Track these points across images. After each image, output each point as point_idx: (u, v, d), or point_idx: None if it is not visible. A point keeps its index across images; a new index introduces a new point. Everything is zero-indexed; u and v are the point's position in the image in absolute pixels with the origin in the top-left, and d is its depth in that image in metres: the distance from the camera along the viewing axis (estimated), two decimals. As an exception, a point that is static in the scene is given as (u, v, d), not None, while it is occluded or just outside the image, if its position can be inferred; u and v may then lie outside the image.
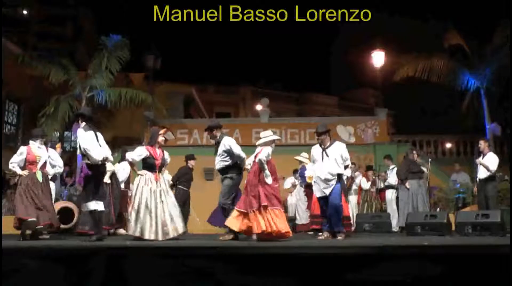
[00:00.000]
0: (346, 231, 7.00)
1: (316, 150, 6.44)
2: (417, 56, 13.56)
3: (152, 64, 14.69)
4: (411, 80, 13.58)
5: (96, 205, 5.54)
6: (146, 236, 5.47)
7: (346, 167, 6.51)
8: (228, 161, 5.93)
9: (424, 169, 8.99)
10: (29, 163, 6.33)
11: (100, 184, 5.72)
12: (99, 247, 4.25)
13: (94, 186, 5.59)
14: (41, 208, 6.11)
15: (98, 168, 5.57)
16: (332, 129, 12.97)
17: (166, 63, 18.97)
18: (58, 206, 7.65)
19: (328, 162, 6.20)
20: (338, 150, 6.25)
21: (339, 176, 6.21)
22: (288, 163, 9.44)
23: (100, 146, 5.63)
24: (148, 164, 5.86)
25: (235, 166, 5.95)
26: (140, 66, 15.53)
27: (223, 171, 5.99)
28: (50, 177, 6.78)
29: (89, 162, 5.49)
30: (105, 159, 5.62)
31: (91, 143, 5.48)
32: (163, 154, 6.11)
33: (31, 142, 6.56)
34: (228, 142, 5.96)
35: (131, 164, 5.94)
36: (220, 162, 5.98)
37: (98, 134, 5.74)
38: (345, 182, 8.36)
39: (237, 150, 5.93)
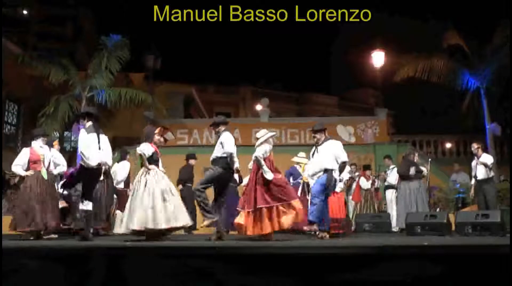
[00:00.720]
0: (343, 232, 6.99)
1: (312, 149, 6.48)
2: (417, 56, 13.56)
3: (152, 64, 14.70)
4: (411, 80, 13.59)
5: (86, 206, 5.51)
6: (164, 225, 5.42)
7: (342, 166, 6.33)
8: (219, 153, 5.88)
9: (424, 169, 8.99)
10: (33, 162, 6.33)
11: (92, 186, 5.68)
12: (99, 247, 4.25)
13: (86, 187, 5.58)
14: (43, 212, 6.11)
15: (92, 171, 5.52)
16: (332, 129, 13.04)
17: (166, 63, 19.02)
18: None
19: (317, 158, 6.20)
20: (330, 148, 6.19)
21: (326, 171, 6.07)
22: (288, 163, 9.43)
23: (100, 148, 5.54)
24: (155, 160, 5.87)
25: (225, 160, 5.86)
26: (140, 66, 15.55)
27: (214, 162, 5.95)
28: (55, 176, 6.79)
29: (83, 164, 5.46)
30: (102, 164, 5.59)
31: (89, 148, 5.41)
32: None
33: (33, 142, 6.56)
34: (224, 137, 5.94)
35: (144, 158, 5.83)
36: (214, 153, 5.97)
37: (102, 136, 5.66)
38: (345, 183, 8.29)
39: (228, 145, 5.83)
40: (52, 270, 3.09)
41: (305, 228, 6.08)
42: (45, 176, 6.34)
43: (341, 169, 6.34)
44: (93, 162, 5.41)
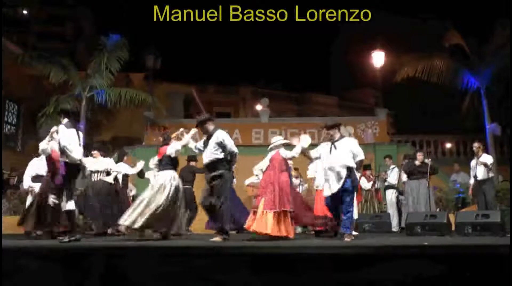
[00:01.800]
0: (327, 229, 7.02)
1: (324, 146, 6.18)
2: (417, 56, 13.54)
3: (152, 64, 14.71)
4: (411, 80, 13.56)
5: (72, 205, 5.47)
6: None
7: (359, 164, 6.11)
8: (219, 155, 5.63)
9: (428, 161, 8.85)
10: (56, 161, 6.38)
11: (73, 184, 5.67)
12: (99, 247, 4.25)
13: (70, 185, 5.55)
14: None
15: (76, 167, 5.52)
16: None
17: (166, 63, 18.96)
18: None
19: (336, 154, 5.89)
20: (348, 145, 5.97)
21: (350, 170, 5.82)
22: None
23: (80, 145, 5.58)
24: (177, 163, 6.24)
25: (226, 161, 5.66)
26: (140, 66, 15.55)
27: (212, 165, 5.65)
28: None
29: (67, 160, 5.41)
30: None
31: (73, 141, 5.41)
32: None
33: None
34: (222, 135, 5.70)
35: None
36: (211, 154, 5.65)
37: (80, 133, 5.70)
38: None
39: (231, 143, 5.68)
40: (52, 270, 3.09)
41: (346, 239, 5.72)
42: None
43: (358, 167, 6.12)
44: (77, 155, 5.42)
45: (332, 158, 5.93)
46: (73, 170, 5.50)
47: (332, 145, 6.02)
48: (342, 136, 6.13)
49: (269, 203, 5.91)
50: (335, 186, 5.81)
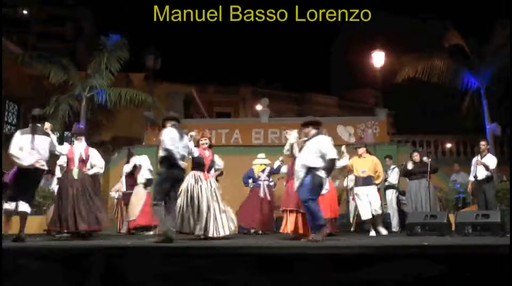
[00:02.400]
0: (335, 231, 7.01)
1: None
2: (417, 57, 13.54)
3: (152, 64, 14.71)
4: (411, 80, 13.56)
5: (23, 207, 5.47)
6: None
7: (331, 164, 5.52)
8: (162, 153, 5.57)
9: (427, 160, 8.84)
10: (70, 159, 6.57)
11: (28, 188, 5.63)
12: (99, 247, 4.25)
13: (21, 188, 5.55)
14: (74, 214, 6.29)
15: (27, 172, 5.49)
16: (332, 129, 13.00)
17: (166, 63, 19.03)
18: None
19: (302, 155, 5.61)
20: (317, 143, 5.54)
21: (310, 170, 5.41)
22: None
23: (33, 149, 5.50)
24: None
25: (168, 159, 5.55)
26: (140, 66, 15.56)
27: (160, 164, 5.73)
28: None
29: (17, 165, 5.49)
30: (40, 165, 5.56)
31: (21, 149, 5.43)
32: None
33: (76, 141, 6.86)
34: (164, 132, 5.64)
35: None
36: (160, 152, 5.67)
37: (42, 137, 5.67)
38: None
39: (167, 141, 5.53)
40: (52, 270, 3.09)
41: (310, 237, 5.52)
42: (76, 176, 6.47)
43: (330, 167, 5.54)
44: (24, 162, 5.42)
45: (299, 157, 5.68)
46: (25, 173, 5.48)
47: (304, 144, 5.77)
48: (316, 134, 5.69)
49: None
50: (296, 186, 5.59)
